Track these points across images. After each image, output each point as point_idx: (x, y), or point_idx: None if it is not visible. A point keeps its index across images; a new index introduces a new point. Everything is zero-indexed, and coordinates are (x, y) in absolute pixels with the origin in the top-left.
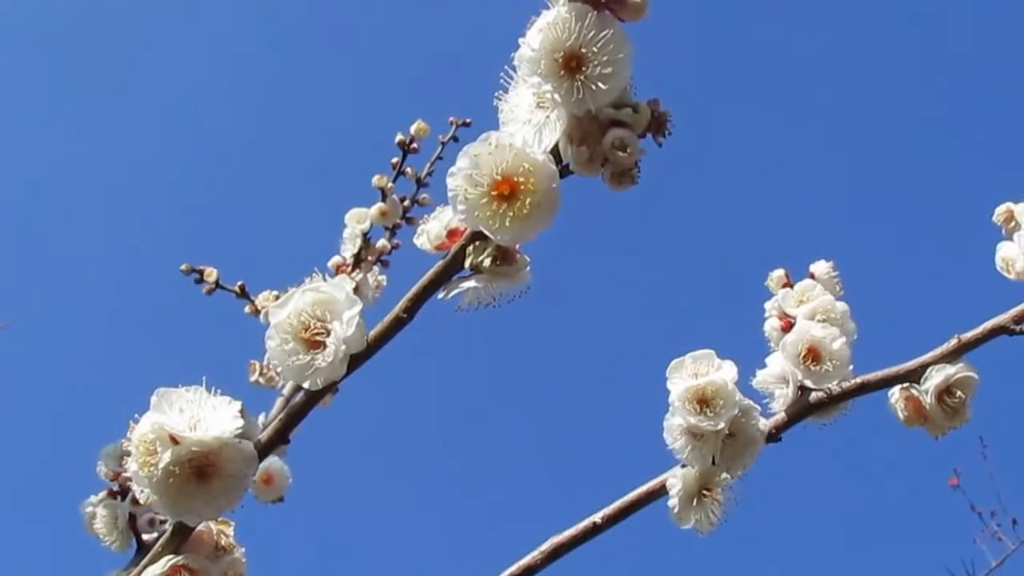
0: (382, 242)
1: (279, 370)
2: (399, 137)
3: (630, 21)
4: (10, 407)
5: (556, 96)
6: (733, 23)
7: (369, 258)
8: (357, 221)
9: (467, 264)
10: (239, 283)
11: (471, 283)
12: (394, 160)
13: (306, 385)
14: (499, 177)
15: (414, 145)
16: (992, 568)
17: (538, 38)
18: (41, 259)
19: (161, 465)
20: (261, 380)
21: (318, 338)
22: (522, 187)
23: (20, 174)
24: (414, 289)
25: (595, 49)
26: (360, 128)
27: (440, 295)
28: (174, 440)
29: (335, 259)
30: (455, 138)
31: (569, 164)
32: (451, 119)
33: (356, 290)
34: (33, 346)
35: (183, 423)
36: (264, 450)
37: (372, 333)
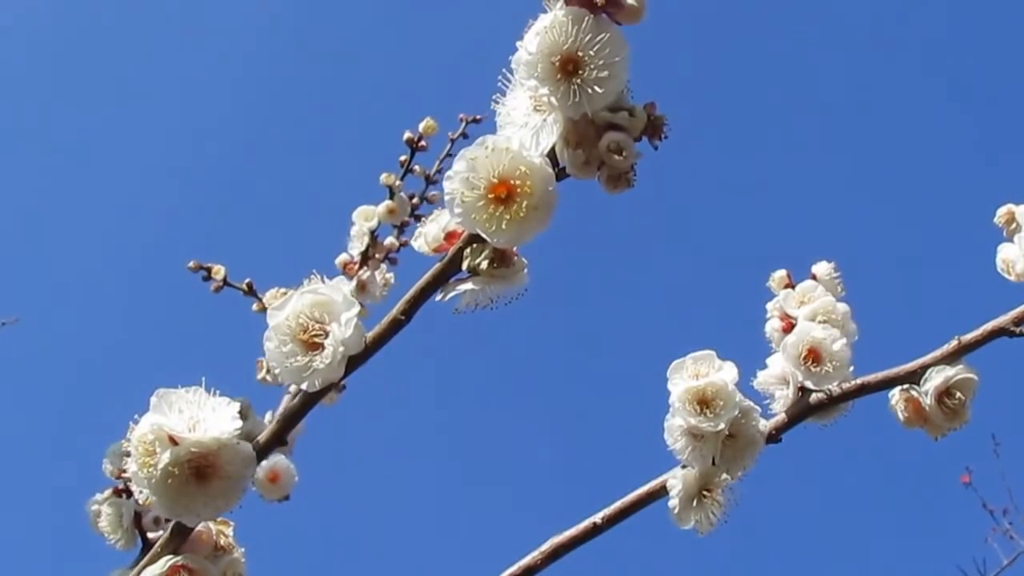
0: (390, 240)
1: (277, 371)
2: (407, 135)
3: (627, 24)
4: (17, 404)
5: (553, 99)
6: (730, 25)
7: (377, 256)
8: (365, 219)
9: (465, 266)
10: (246, 281)
11: (469, 285)
12: (402, 158)
13: (304, 386)
14: (496, 180)
15: (422, 143)
16: (1003, 566)
17: (535, 41)
18: (48, 256)
19: (160, 466)
20: (268, 378)
21: (316, 340)
22: (519, 190)
23: (26, 170)
24: (412, 291)
25: (592, 53)
26: (368, 126)
27: (438, 297)
28: (173, 441)
29: (342, 257)
30: (464, 135)
31: (566, 167)
32: (461, 116)
33: (364, 288)
34: (40, 343)
35: (182, 424)
36: (262, 452)
37: (370, 335)
